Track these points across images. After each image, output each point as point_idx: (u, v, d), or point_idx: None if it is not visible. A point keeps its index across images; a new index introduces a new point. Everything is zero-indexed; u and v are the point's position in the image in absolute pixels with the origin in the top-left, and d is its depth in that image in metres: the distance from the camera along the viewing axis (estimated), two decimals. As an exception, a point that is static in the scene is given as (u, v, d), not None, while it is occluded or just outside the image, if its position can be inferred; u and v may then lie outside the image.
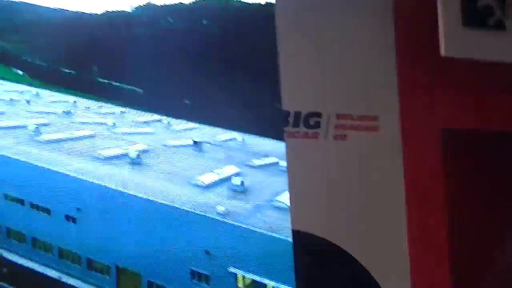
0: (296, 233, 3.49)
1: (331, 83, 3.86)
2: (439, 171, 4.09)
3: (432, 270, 4.00)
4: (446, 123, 4.12)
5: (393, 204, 3.94)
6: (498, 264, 4.54)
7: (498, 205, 4.44)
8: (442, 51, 3.70)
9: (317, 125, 3.82)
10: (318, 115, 3.82)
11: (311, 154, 3.79)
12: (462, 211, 4.38)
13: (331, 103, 3.86)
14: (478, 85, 4.27)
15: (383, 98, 4.01)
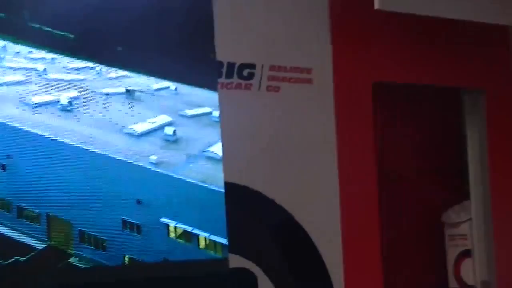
0: (228, 185, 3.49)
1: (265, 34, 3.85)
2: (370, 122, 4.15)
3: (362, 216, 4.10)
4: (377, 76, 4.18)
5: (325, 155, 3.98)
6: (423, 202, 4.73)
7: (424, 150, 4.83)
8: (376, 5, 3.73)
9: (251, 76, 3.82)
10: (252, 66, 3.81)
11: (244, 105, 3.78)
12: (391, 159, 4.50)
13: (265, 55, 3.86)
14: (409, 39, 4.33)
15: (316, 50, 4.02)
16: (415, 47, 4.33)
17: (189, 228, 3.17)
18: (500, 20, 4.21)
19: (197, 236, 3.20)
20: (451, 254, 4.69)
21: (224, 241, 3.20)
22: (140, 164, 3.19)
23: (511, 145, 4.72)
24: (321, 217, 3.92)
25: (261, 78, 3.84)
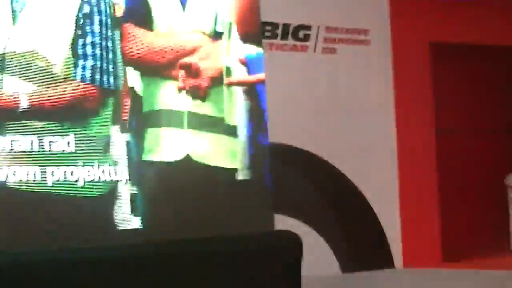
0: (279, 146, 3.49)
1: (320, -5, 3.84)
2: (427, 82, 4.11)
3: (420, 178, 4.08)
4: (435, 36, 4.12)
5: (383, 115, 3.97)
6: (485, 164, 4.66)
7: (481, 112, 4.73)
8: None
9: (306, 38, 3.83)
10: (308, 27, 3.81)
11: (300, 67, 3.79)
12: (449, 119, 4.44)
13: (321, 16, 3.85)
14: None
15: (373, 11, 3.99)
16: (473, 6, 4.24)
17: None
18: None
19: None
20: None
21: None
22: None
23: None
24: (377, 178, 3.92)
25: (316, 39, 3.85)
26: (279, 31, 3.76)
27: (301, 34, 3.82)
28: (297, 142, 3.70)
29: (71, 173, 2.68)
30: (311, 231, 3.68)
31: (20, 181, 2.56)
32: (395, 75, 4.02)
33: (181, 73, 2.95)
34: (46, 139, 2.64)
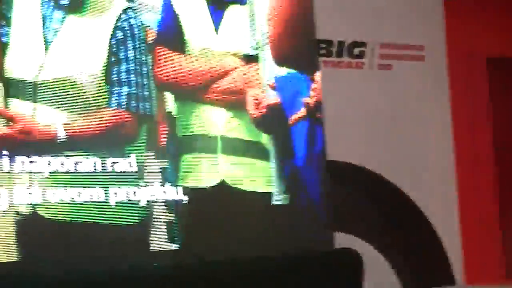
0: (336, 163, 3.48)
1: (375, 12, 3.83)
2: (485, 98, 4.07)
3: (480, 193, 4.02)
4: (492, 51, 4.08)
5: (440, 131, 3.94)
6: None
7: None
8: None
9: (362, 54, 3.82)
10: (362, 44, 3.81)
11: (355, 83, 3.78)
12: (508, 137, 4.36)
13: (376, 32, 3.84)
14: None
15: (429, 27, 3.97)
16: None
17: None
18: None
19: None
20: None
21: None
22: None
23: None
24: (436, 194, 3.87)
25: (372, 56, 3.84)
26: (334, 49, 3.76)
27: (356, 51, 3.82)
28: (354, 159, 3.68)
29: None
30: (371, 249, 3.65)
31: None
32: (452, 91, 3.99)
33: (250, 102, 2.96)
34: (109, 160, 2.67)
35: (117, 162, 2.68)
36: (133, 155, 2.71)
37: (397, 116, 3.86)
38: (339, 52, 3.76)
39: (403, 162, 3.83)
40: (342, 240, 3.33)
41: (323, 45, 3.69)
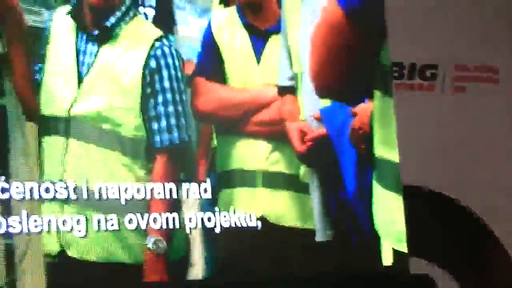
0: (411, 188, 3.41)
1: (447, 33, 3.78)
2: None
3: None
4: None
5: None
6: None
7: None
8: None
9: (434, 77, 3.76)
10: (434, 66, 3.76)
11: (428, 106, 3.73)
12: None
13: (448, 54, 3.79)
14: None
15: (503, 48, 3.90)
16: None
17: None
18: None
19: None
20: None
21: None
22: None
23: None
24: (510, 219, 3.78)
25: (444, 78, 3.78)
26: (405, 71, 3.72)
27: (428, 73, 3.77)
28: (427, 182, 3.62)
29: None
30: (445, 276, 3.59)
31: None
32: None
33: (295, 135, 2.87)
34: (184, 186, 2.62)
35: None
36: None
37: (471, 139, 3.79)
38: (410, 74, 3.72)
39: (476, 186, 3.75)
40: (416, 265, 3.27)
41: (395, 68, 3.65)
